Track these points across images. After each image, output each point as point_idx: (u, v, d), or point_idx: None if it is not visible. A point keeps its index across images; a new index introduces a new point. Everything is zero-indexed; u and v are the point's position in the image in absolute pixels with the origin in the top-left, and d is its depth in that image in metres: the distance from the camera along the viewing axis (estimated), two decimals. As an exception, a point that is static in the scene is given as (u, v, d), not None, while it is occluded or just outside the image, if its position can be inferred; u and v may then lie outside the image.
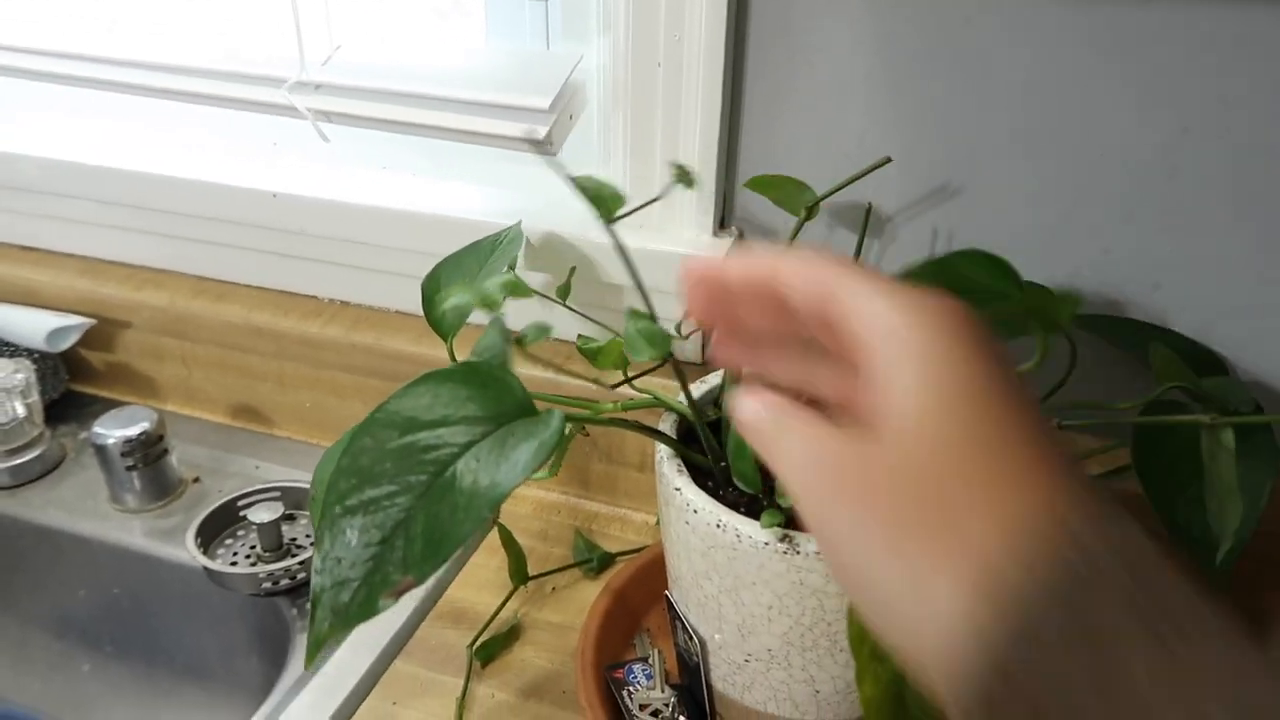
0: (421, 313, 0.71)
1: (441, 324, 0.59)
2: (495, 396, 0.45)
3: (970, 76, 0.58)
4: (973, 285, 0.44)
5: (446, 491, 0.42)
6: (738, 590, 0.48)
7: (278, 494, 0.74)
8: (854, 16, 0.59)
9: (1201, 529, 0.42)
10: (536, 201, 0.71)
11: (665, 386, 0.61)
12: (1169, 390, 0.48)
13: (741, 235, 0.68)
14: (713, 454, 0.52)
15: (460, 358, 0.54)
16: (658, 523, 0.68)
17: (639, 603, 0.64)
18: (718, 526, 0.47)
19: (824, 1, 0.59)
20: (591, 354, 0.56)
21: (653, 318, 0.52)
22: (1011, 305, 0.39)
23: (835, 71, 0.60)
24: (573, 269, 0.67)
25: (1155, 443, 0.45)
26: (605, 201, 0.52)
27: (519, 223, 0.66)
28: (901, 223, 0.64)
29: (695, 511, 0.48)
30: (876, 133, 0.61)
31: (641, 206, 0.56)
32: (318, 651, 0.42)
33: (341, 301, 0.81)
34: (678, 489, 0.49)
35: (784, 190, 0.57)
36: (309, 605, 0.42)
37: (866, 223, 0.54)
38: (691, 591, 0.52)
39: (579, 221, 0.68)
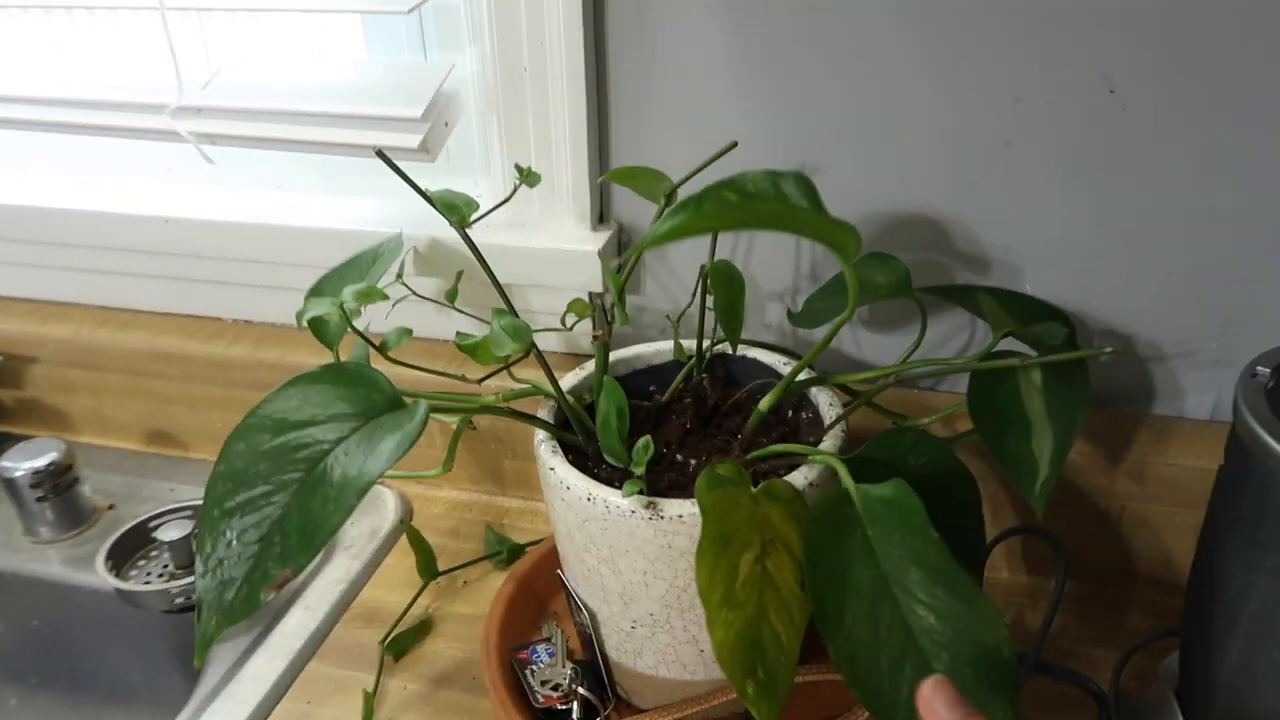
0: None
1: (323, 334, 0.60)
2: (364, 394, 0.47)
3: (820, 59, 0.61)
4: (786, 197, 0.47)
5: (318, 485, 0.44)
6: (614, 559, 0.51)
7: (189, 513, 0.75)
8: (708, 8, 0.62)
9: (1028, 462, 0.46)
10: (422, 210, 0.73)
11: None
12: (1001, 339, 0.52)
13: (621, 228, 0.70)
14: (585, 435, 0.55)
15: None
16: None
17: (543, 587, 0.67)
18: (588, 500, 0.49)
19: None
20: (470, 350, 0.58)
21: (514, 312, 0.54)
22: (808, 229, 0.42)
23: (694, 63, 0.63)
24: (459, 273, 0.69)
25: (985, 389, 0.49)
26: (458, 209, 0.55)
27: (399, 233, 0.68)
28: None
29: (568, 488, 0.50)
30: (736, 119, 0.65)
31: (490, 210, 0.59)
32: (206, 649, 0.44)
33: (245, 321, 0.82)
34: (552, 468, 0.52)
35: (643, 180, 0.59)
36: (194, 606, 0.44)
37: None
38: (576, 566, 0.54)
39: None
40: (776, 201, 0.43)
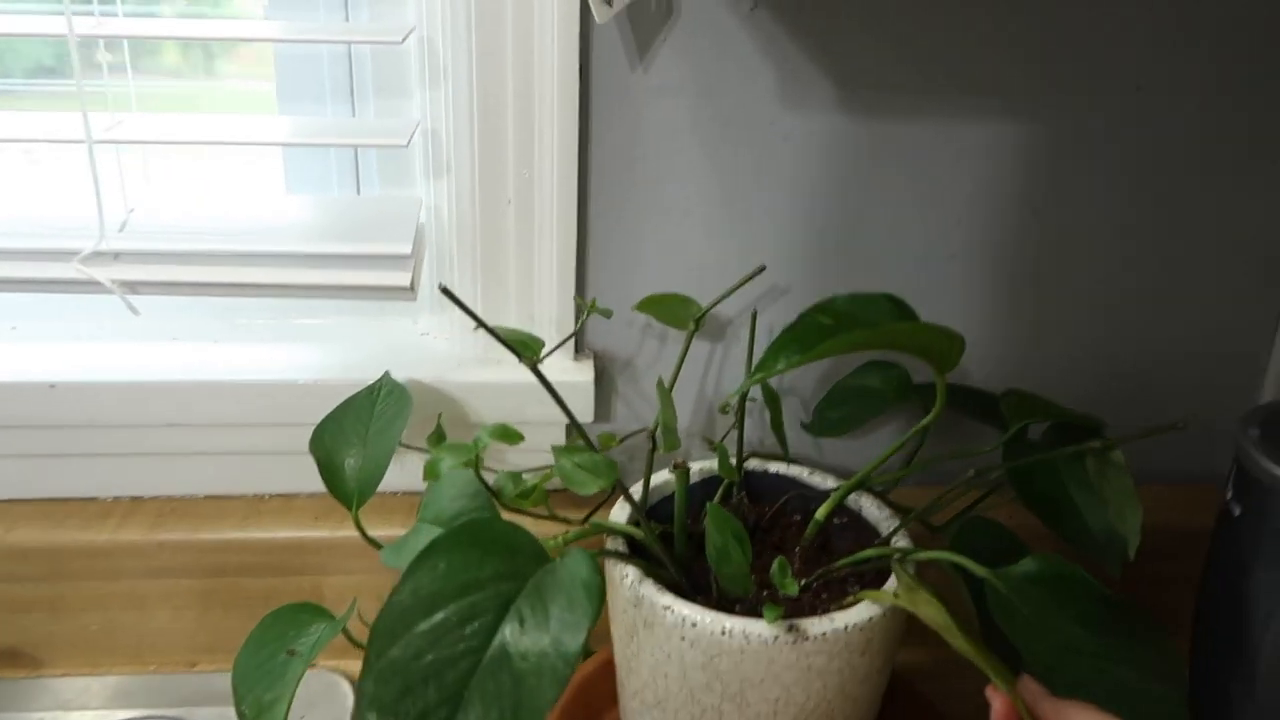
0: (244, 491, 0.65)
1: (341, 489, 0.54)
2: (506, 550, 0.43)
3: (783, 193, 0.66)
4: (874, 322, 0.50)
5: (502, 664, 0.39)
6: (744, 693, 0.49)
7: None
8: (686, 145, 0.65)
9: (1102, 531, 0.52)
10: (360, 353, 0.68)
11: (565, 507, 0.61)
12: (1019, 429, 0.58)
13: (596, 356, 0.70)
14: (676, 566, 0.53)
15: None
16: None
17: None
18: (723, 633, 0.48)
19: (661, 135, 0.64)
20: (523, 496, 0.54)
21: (591, 446, 0.52)
22: (915, 340, 0.46)
23: (670, 196, 0.66)
24: (440, 415, 0.65)
25: (1033, 475, 0.54)
26: (528, 345, 0.52)
27: (387, 373, 0.63)
28: (740, 324, 0.70)
29: (694, 625, 0.48)
30: (706, 248, 0.67)
31: (560, 345, 0.57)
32: None
33: (133, 498, 0.70)
34: (667, 607, 0.49)
35: (670, 307, 0.60)
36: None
37: (754, 326, 0.59)
38: (684, 710, 0.52)
39: (431, 366, 0.67)
40: (872, 321, 0.47)
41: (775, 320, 0.69)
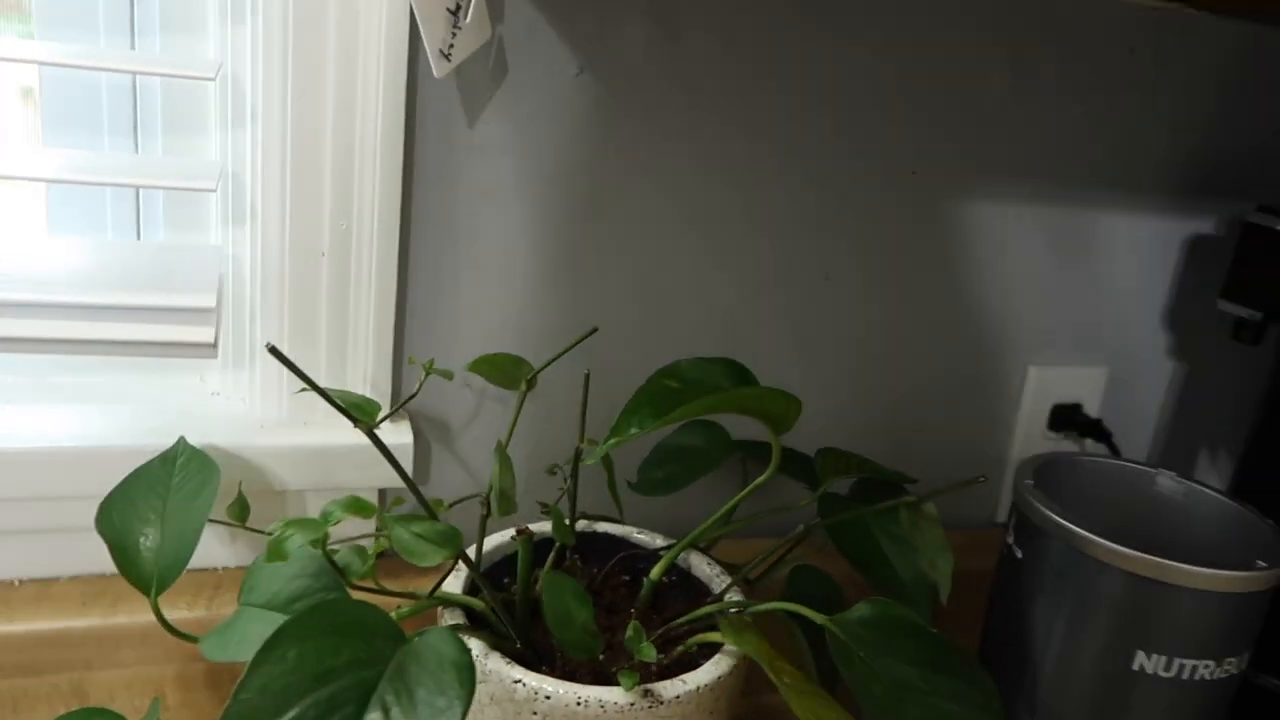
0: (21, 578, 0.57)
1: (135, 571, 0.47)
2: (361, 632, 0.39)
3: (607, 256, 0.67)
4: (719, 386, 0.52)
5: (367, 758, 0.36)
6: (599, 763, 0.48)
7: None
8: (510, 203, 0.64)
9: (913, 581, 0.56)
10: (142, 416, 0.60)
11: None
12: (831, 484, 0.62)
13: (413, 419, 0.66)
14: (520, 636, 0.51)
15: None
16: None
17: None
18: (578, 704, 0.47)
19: (484, 193, 0.63)
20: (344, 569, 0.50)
21: (433, 515, 0.50)
22: (760, 404, 0.48)
23: (492, 254, 0.65)
24: (240, 484, 0.59)
25: (848, 528, 0.58)
26: (365, 410, 0.49)
27: (182, 438, 0.56)
28: (565, 384, 0.69)
29: (547, 698, 0.47)
30: (526, 307, 0.67)
31: (399, 407, 0.53)
32: None
33: None
34: (518, 680, 0.47)
35: (501, 368, 0.58)
36: None
37: (587, 387, 0.58)
38: (533, 786, 0.50)
39: (227, 429, 0.61)
40: (716, 385, 0.49)
41: (600, 379, 0.70)
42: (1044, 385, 0.84)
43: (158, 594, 0.47)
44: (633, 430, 0.48)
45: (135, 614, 0.59)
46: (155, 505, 0.50)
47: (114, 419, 0.60)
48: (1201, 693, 0.57)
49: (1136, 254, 0.83)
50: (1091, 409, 0.86)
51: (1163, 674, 0.56)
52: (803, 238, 0.72)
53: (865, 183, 0.72)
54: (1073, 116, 0.76)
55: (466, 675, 0.38)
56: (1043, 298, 0.81)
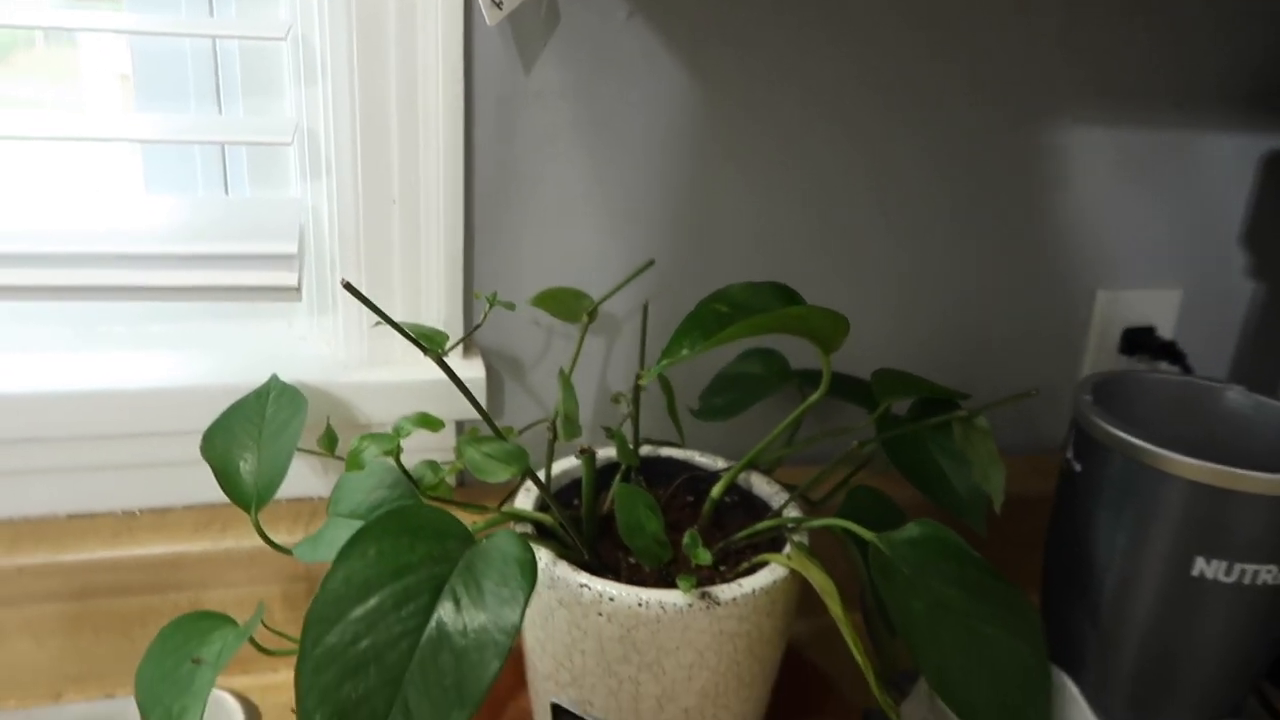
0: (112, 507, 0.63)
1: (264, 495, 0.52)
2: (435, 534, 0.43)
3: (662, 190, 0.69)
4: (767, 308, 0.54)
5: (441, 643, 0.40)
6: (660, 661, 0.51)
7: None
8: (568, 147, 0.67)
9: (967, 492, 0.57)
10: (236, 359, 0.66)
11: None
12: (888, 407, 0.63)
13: (486, 355, 0.70)
14: (586, 547, 0.54)
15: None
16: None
17: (482, 738, 0.62)
18: (639, 605, 0.50)
19: (543, 137, 0.66)
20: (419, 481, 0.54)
21: (499, 435, 0.53)
22: (806, 324, 0.50)
23: (551, 194, 0.68)
24: (329, 418, 0.64)
25: (904, 446, 0.59)
26: (432, 340, 0.53)
27: (274, 375, 0.61)
28: (623, 319, 0.72)
29: (611, 600, 0.50)
30: (598, 246, 0.70)
31: (465, 337, 0.57)
32: None
33: (-18, 522, 0.65)
34: (584, 585, 0.51)
35: (564, 302, 0.62)
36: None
37: (645, 317, 0.61)
38: (601, 683, 0.53)
39: (314, 368, 0.65)
40: (765, 308, 0.51)
41: (659, 313, 0.72)
42: (1114, 309, 0.83)
43: (257, 510, 0.52)
44: (684, 351, 0.50)
45: (242, 538, 0.65)
46: (252, 434, 0.55)
47: (213, 362, 0.65)
48: (1265, 598, 0.57)
49: (1210, 172, 0.81)
50: (1165, 332, 0.84)
51: (1224, 579, 0.56)
52: (860, 170, 0.72)
53: (924, 110, 0.72)
54: (1138, 32, 0.75)
55: (529, 569, 0.41)
56: (1112, 221, 0.80)
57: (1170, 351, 0.83)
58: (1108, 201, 0.79)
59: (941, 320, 0.79)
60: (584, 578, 0.51)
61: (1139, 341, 0.83)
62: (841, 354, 0.77)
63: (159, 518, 0.66)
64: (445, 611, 0.40)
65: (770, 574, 0.52)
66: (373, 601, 0.40)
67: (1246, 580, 0.56)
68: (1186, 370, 0.83)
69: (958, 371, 0.81)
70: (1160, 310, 0.84)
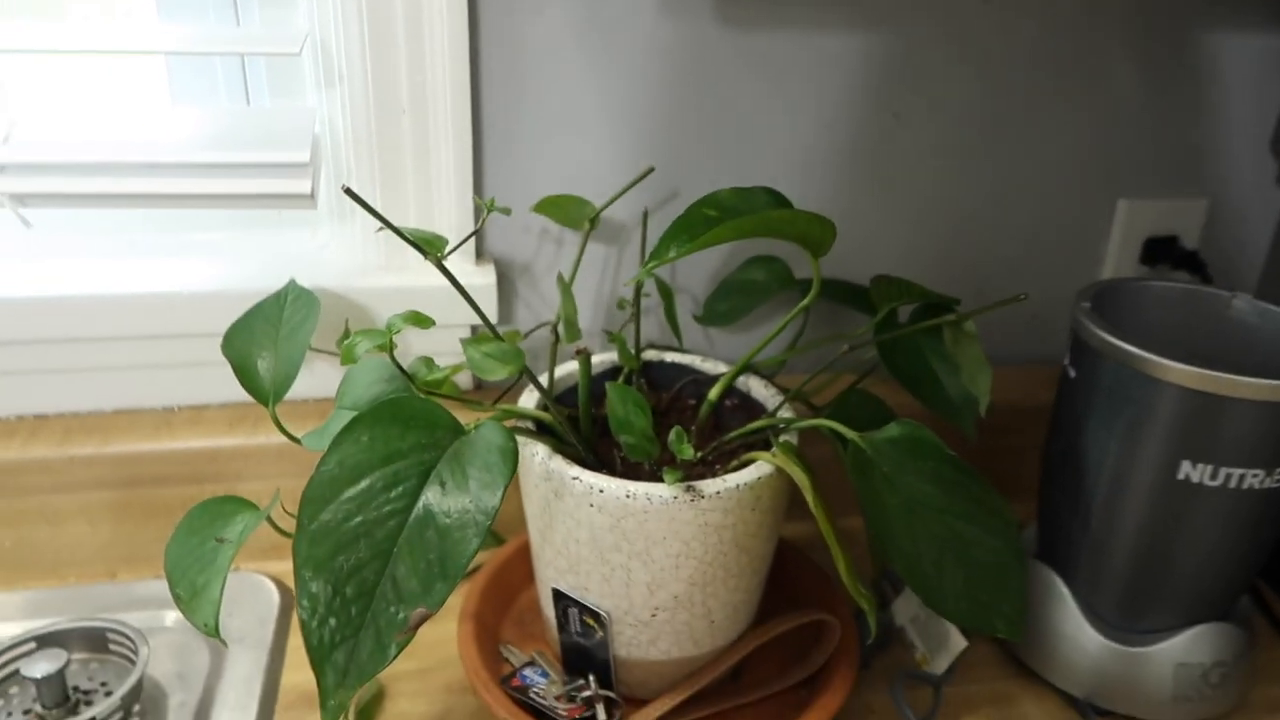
0: (153, 404, 0.66)
1: (256, 386, 0.56)
2: (425, 424, 0.46)
3: (672, 100, 0.70)
4: (756, 212, 0.55)
5: (427, 522, 0.43)
6: (649, 550, 0.54)
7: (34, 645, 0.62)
8: (571, 56, 0.67)
9: (959, 397, 0.58)
10: (262, 265, 0.69)
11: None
12: (887, 312, 0.64)
13: (497, 263, 0.73)
14: (582, 444, 0.57)
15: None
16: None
17: (492, 620, 0.66)
18: (627, 497, 0.53)
19: (546, 46, 0.67)
20: (436, 383, 0.57)
21: (497, 336, 0.56)
22: (794, 227, 0.51)
23: (558, 103, 0.69)
24: (347, 320, 0.67)
25: (898, 350, 0.61)
26: (431, 243, 0.55)
27: (292, 279, 0.64)
28: (630, 228, 0.74)
29: (601, 492, 0.53)
30: (603, 153, 0.71)
31: (462, 242, 0.59)
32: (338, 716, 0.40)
33: (37, 415, 0.70)
34: (576, 478, 0.54)
35: (566, 209, 0.63)
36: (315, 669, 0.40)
37: (645, 224, 0.63)
38: (595, 570, 0.57)
39: (333, 273, 0.68)
40: (754, 212, 0.52)
41: (665, 220, 0.74)
42: (1136, 218, 0.81)
43: (274, 404, 0.56)
44: (670, 253, 0.52)
45: (272, 435, 0.69)
46: (270, 333, 0.59)
47: (241, 268, 0.69)
48: (1251, 502, 0.57)
49: (1240, 77, 0.78)
50: (1190, 242, 0.83)
51: (1209, 483, 0.57)
52: (873, 74, 0.72)
53: (942, 9, 0.71)
54: (1167, -74, 0.72)
55: (510, 457, 0.44)
56: (1134, 127, 0.78)
57: (1192, 262, 0.82)
58: (1131, 105, 0.77)
59: (960, 230, 0.79)
60: (576, 470, 0.54)
61: (1161, 252, 0.82)
62: (857, 262, 0.78)
63: (196, 414, 0.71)
64: (432, 494, 0.44)
65: (755, 470, 0.55)
66: (364, 484, 0.43)
67: (1232, 484, 0.57)
68: (1206, 280, 0.82)
69: (975, 281, 0.81)
70: (1185, 221, 0.83)
